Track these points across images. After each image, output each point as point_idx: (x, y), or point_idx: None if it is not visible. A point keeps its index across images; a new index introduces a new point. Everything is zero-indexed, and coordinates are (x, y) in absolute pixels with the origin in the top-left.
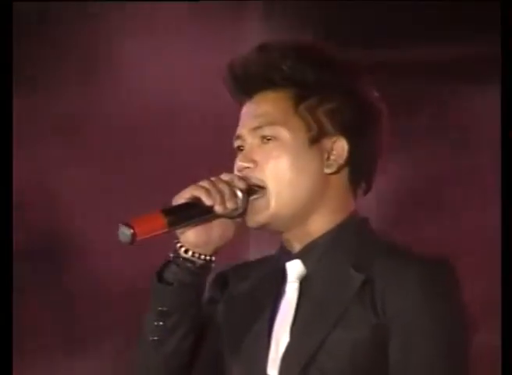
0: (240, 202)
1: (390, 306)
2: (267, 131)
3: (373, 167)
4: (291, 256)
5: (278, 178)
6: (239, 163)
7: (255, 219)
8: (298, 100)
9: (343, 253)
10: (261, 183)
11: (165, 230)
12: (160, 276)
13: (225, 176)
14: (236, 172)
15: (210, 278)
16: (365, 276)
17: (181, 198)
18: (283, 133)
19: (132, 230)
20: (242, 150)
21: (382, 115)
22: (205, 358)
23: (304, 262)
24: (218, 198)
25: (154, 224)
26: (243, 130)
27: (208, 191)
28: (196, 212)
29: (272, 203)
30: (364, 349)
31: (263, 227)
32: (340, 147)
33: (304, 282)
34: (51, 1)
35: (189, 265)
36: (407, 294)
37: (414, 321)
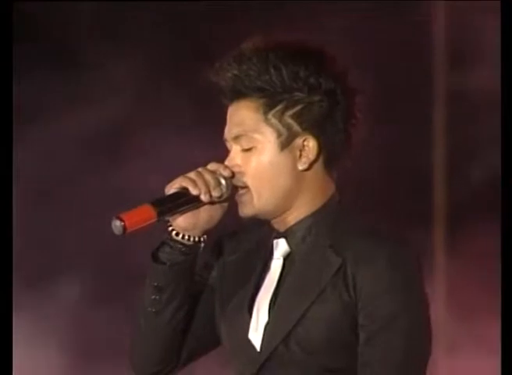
0: (224, 189)
1: (360, 288)
2: (244, 142)
3: (347, 147)
4: (278, 235)
5: (257, 180)
6: (226, 164)
7: (244, 211)
8: (267, 109)
9: (323, 235)
10: (244, 185)
11: (155, 220)
12: (155, 256)
13: (211, 166)
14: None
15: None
16: (342, 260)
17: (171, 188)
18: (257, 142)
19: (122, 223)
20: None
21: (354, 96)
22: (199, 321)
23: (288, 242)
24: (203, 187)
25: (144, 215)
26: (227, 135)
27: (194, 181)
28: (183, 202)
29: (255, 201)
30: (337, 326)
31: (251, 218)
32: (310, 145)
33: (287, 259)
34: (53, 2)
35: (180, 246)
36: (375, 278)
37: (380, 303)
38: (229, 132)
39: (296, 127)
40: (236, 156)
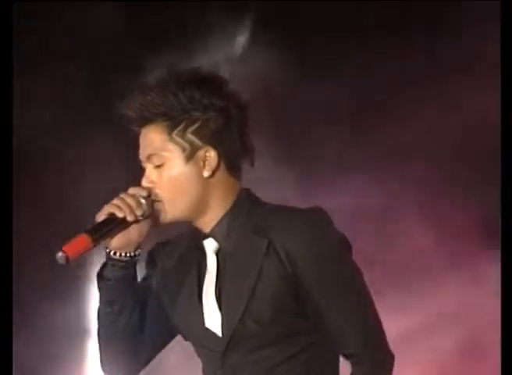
0: (145, 208)
1: (295, 260)
2: (155, 161)
3: (246, 150)
4: (205, 236)
5: (171, 191)
6: (143, 182)
7: (163, 217)
8: (170, 130)
9: (244, 225)
10: (158, 199)
11: (92, 246)
12: (101, 275)
13: (131, 190)
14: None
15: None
16: (268, 240)
17: (100, 216)
18: (166, 159)
19: (65, 254)
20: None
21: (245, 109)
22: (153, 325)
23: (216, 239)
24: (127, 210)
25: (82, 244)
26: (141, 156)
27: (118, 206)
28: (113, 225)
29: (169, 210)
30: (282, 297)
31: (170, 222)
32: (211, 155)
33: (220, 254)
34: (53, 2)
35: (120, 263)
36: (303, 245)
37: (313, 263)
38: (142, 153)
39: (197, 142)
40: (150, 174)
